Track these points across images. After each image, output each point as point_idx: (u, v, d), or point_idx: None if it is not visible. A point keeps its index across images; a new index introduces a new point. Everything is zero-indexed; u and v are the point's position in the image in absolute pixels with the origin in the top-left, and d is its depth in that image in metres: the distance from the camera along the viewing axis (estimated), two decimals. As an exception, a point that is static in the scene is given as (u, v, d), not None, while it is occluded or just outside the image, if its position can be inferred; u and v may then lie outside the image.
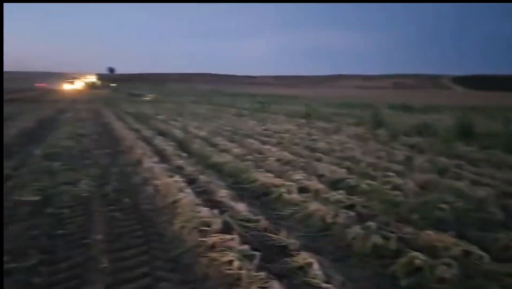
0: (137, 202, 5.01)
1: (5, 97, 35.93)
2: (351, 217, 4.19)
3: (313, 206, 4.55)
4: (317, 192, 5.20)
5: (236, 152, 8.21)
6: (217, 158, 7.61)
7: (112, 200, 5.07)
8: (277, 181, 5.71)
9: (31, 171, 6.49)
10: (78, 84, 75.12)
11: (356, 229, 3.81)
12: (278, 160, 7.51)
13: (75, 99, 37.77)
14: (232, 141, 10.00)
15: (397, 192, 5.15)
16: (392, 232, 3.75)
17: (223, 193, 5.02)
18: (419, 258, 3.15)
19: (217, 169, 6.90)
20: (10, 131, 11.42)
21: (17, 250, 3.47)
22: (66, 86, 72.34)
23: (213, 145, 9.36)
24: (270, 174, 6.09)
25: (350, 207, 4.63)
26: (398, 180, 5.73)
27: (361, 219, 4.16)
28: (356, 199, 4.88)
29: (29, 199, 4.95)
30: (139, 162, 7.34)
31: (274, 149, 8.67)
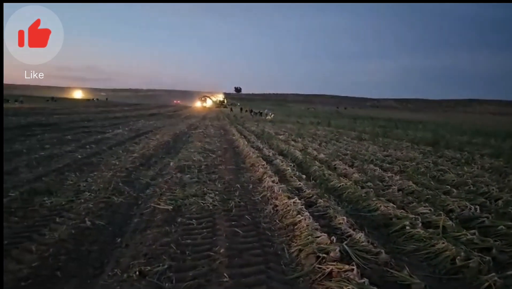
0: (257, 220, 5.20)
1: (148, 112, 40.38)
2: (486, 262, 3.75)
3: (441, 244, 4.19)
4: (445, 229, 4.78)
5: (356, 178, 8.00)
6: (336, 182, 7.51)
7: (234, 215, 5.34)
8: (400, 212, 5.41)
9: (166, 182, 7.19)
10: (208, 102, 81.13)
11: (493, 277, 3.39)
12: (400, 189, 7.11)
13: (205, 116, 40.94)
14: (352, 165, 9.78)
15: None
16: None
17: (341, 220, 4.93)
18: None
19: (336, 193, 6.81)
20: (151, 143, 12.87)
21: (151, 255, 3.86)
22: (198, 104, 78.67)
23: (332, 168, 9.27)
24: (391, 204, 5.80)
25: (485, 250, 4.15)
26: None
27: (498, 266, 3.70)
28: (492, 241, 4.36)
29: (164, 207, 5.49)
30: (260, 180, 7.63)
31: (396, 177, 8.22)
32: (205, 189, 6.68)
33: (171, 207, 5.51)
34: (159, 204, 5.62)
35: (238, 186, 7.19)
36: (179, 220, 5.01)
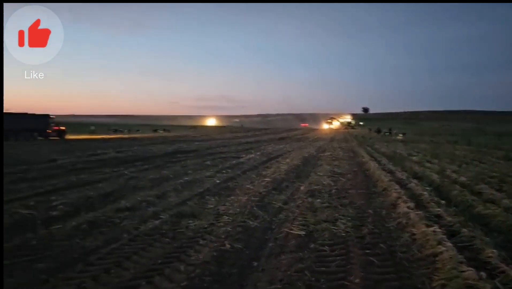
0: (393, 249, 4.97)
1: (278, 136, 41.77)
2: None
3: None
4: None
5: (506, 204, 7.11)
6: (482, 209, 6.78)
7: (368, 243, 5.19)
8: None
9: (298, 206, 7.35)
10: (335, 124, 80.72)
11: None
12: None
13: (332, 138, 40.78)
14: (500, 190, 8.72)
15: None
16: None
17: (491, 253, 4.43)
18: None
19: (483, 222, 6.15)
20: (282, 167, 13.31)
21: (287, 281, 3.96)
22: (325, 126, 78.80)
23: (476, 193, 8.39)
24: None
25: None
26: None
27: None
28: None
29: (296, 232, 5.62)
30: (393, 206, 7.29)
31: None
32: (336, 214, 6.65)
33: (304, 233, 5.61)
34: (292, 230, 5.76)
35: (371, 211, 6.99)
36: (312, 246, 5.07)
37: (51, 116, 38.61)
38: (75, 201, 7.55)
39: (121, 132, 60.65)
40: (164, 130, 67.53)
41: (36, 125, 36.47)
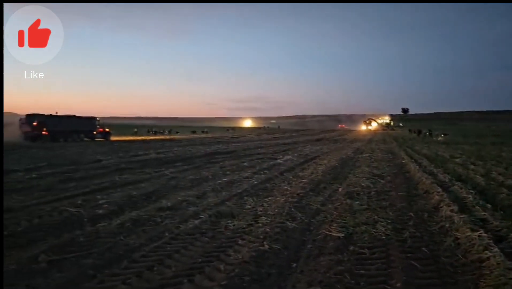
0: (436, 253, 4.84)
1: (314, 137, 41.56)
2: None
3: None
4: None
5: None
6: (533, 213, 6.46)
7: (409, 246, 5.08)
8: None
9: (336, 208, 7.29)
10: (373, 125, 79.21)
11: None
12: None
13: (370, 139, 40.02)
14: (553, 193, 8.27)
15: None
16: None
17: (543, 260, 4.22)
18: None
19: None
20: (319, 168, 13.23)
21: (326, 283, 3.95)
22: (363, 127, 77.51)
23: (527, 196, 7.99)
24: None
25: None
26: None
27: None
28: None
29: (335, 234, 5.58)
30: (435, 209, 7.10)
31: None
32: (376, 217, 6.55)
33: (343, 235, 5.56)
34: (330, 231, 5.73)
35: (412, 214, 6.82)
36: (351, 248, 5.02)
37: (97, 119, 40.36)
38: (119, 200, 7.85)
39: (161, 133, 62.21)
40: (203, 131, 68.61)
41: (83, 127, 38.17)
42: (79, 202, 7.66)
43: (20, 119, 34.89)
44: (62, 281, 4.05)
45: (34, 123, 33.66)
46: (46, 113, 35.43)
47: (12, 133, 33.61)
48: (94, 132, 39.08)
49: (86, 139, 37.43)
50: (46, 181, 10.40)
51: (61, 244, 5.19)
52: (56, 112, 36.77)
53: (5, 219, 6.24)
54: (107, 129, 41.29)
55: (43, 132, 33.57)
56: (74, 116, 38.50)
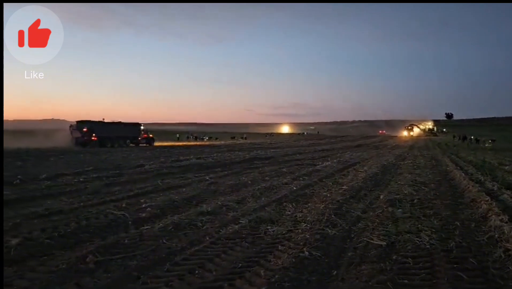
0: (484, 265, 4.63)
1: (354, 143, 40.96)
2: None
3: None
4: None
5: None
6: None
7: (455, 257, 4.90)
8: None
9: (377, 216, 7.14)
10: (416, 131, 77.01)
11: None
12: None
13: (412, 145, 38.89)
14: None
15: None
16: None
17: None
18: None
19: None
20: (359, 175, 13.01)
21: (368, 290, 3.89)
22: (405, 133, 75.52)
23: None
24: None
25: None
26: None
27: None
28: None
29: (377, 242, 5.47)
30: (483, 218, 6.80)
31: None
32: (419, 225, 6.35)
33: (385, 243, 5.43)
34: (372, 239, 5.62)
35: (458, 224, 6.57)
36: (394, 257, 4.90)
37: (141, 125, 41.87)
38: (161, 204, 8.05)
39: (202, 139, 63.35)
40: (242, 137, 69.26)
41: (129, 133, 39.64)
42: (124, 205, 7.93)
43: (71, 126, 36.68)
44: (108, 282, 4.19)
45: (84, 129, 35.27)
46: (95, 120, 37.14)
47: (63, 138, 35.44)
48: (139, 138, 40.45)
49: (131, 144, 38.78)
50: (92, 184, 10.83)
51: (107, 245, 5.38)
52: (103, 119, 38.45)
53: (56, 221, 6.59)
54: (150, 135, 42.66)
55: (93, 138, 35.10)
56: (120, 122, 40.05)
